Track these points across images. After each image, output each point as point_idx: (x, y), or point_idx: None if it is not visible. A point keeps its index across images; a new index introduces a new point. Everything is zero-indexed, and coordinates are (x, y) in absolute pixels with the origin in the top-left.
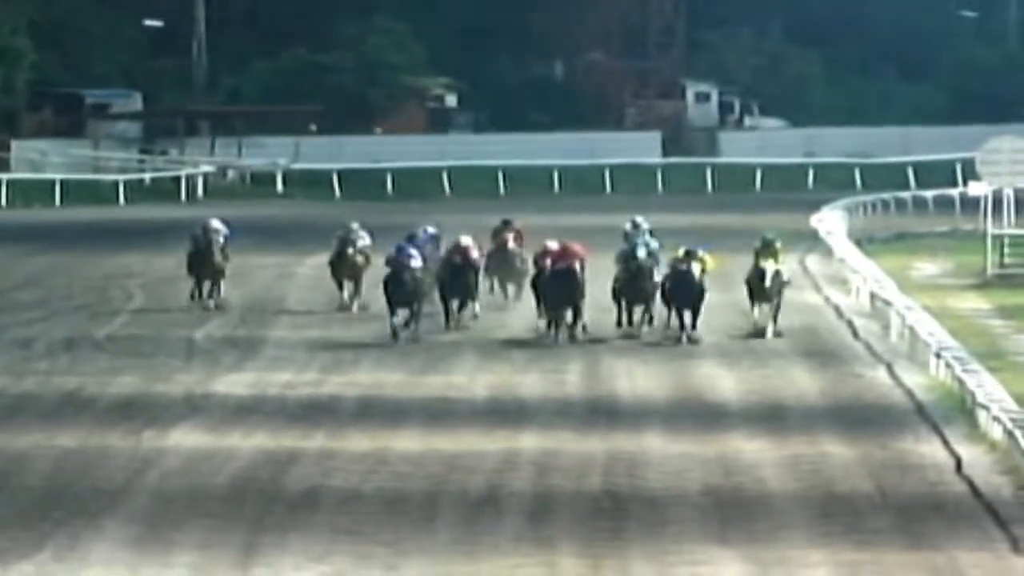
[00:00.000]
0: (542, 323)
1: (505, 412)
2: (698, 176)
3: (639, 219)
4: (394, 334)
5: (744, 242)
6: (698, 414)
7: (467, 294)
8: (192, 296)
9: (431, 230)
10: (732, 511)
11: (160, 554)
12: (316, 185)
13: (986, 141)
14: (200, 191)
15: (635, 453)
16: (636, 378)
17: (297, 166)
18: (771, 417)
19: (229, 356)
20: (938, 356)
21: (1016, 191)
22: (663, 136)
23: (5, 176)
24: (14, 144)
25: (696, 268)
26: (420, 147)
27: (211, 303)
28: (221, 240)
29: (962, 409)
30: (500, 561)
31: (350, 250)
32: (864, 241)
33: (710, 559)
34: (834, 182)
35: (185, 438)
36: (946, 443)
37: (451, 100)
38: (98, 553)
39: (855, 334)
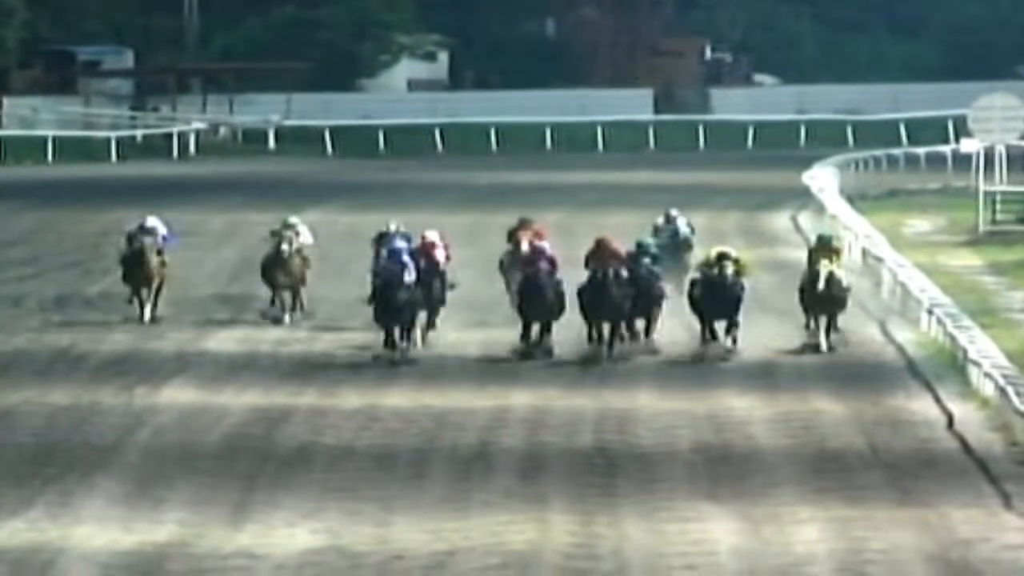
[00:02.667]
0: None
1: (496, 370)
2: (690, 133)
3: (674, 212)
4: (391, 352)
5: (734, 200)
6: (688, 371)
7: (429, 304)
8: (131, 302)
9: (402, 228)
10: (723, 468)
11: (152, 511)
12: (308, 142)
13: (978, 98)
14: (192, 148)
15: (626, 410)
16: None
17: (289, 123)
18: (762, 374)
19: (221, 313)
20: (930, 313)
21: (1008, 148)
22: (655, 93)
23: None
24: (5, 101)
25: (730, 271)
26: (411, 104)
27: (147, 314)
28: (159, 242)
29: (954, 366)
30: (491, 517)
31: (285, 249)
32: (856, 198)
33: (701, 515)
34: (826, 139)
35: (177, 395)
36: (938, 400)
37: (442, 57)
38: (90, 510)
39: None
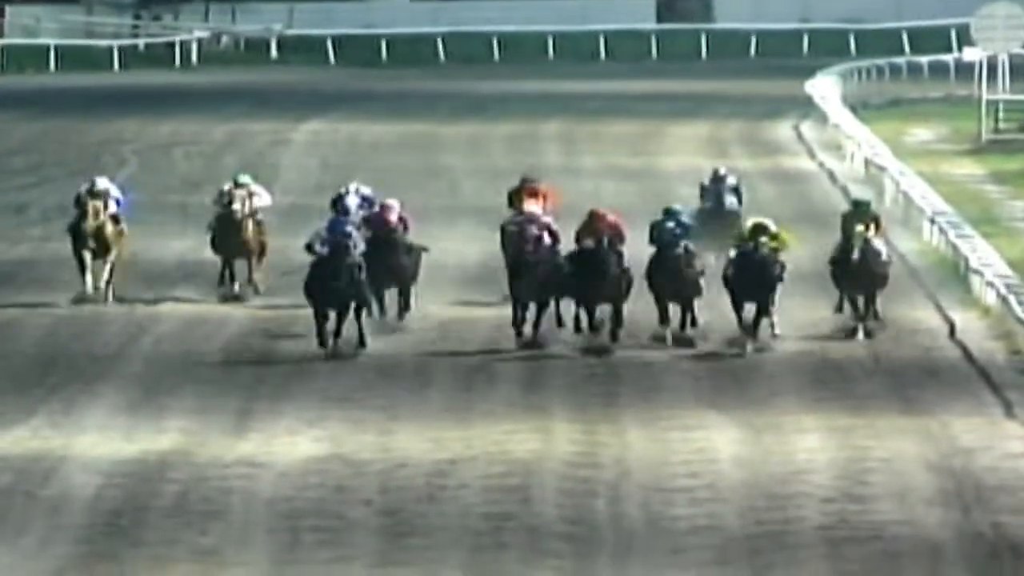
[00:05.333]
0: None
1: (497, 279)
2: (692, 42)
3: (722, 169)
4: (323, 343)
5: (736, 109)
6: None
7: (397, 281)
8: (84, 279)
9: (364, 190)
10: (725, 377)
11: (154, 419)
12: (310, 51)
13: (981, 6)
14: (194, 57)
15: (627, 320)
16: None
17: (291, 32)
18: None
19: None
20: (932, 222)
21: (1011, 56)
22: (657, 2)
23: None
24: (8, 10)
25: (766, 247)
26: (414, 13)
27: (108, 293)
28: (111, 206)
29: (956, 275)
30: (493, 427)
31: (237, 209)
32: (858, 107)
33: (703, 424)
34: (829, 48)
35: (179, 304)
36: (940, 309)
37: None
38: (92, 418)
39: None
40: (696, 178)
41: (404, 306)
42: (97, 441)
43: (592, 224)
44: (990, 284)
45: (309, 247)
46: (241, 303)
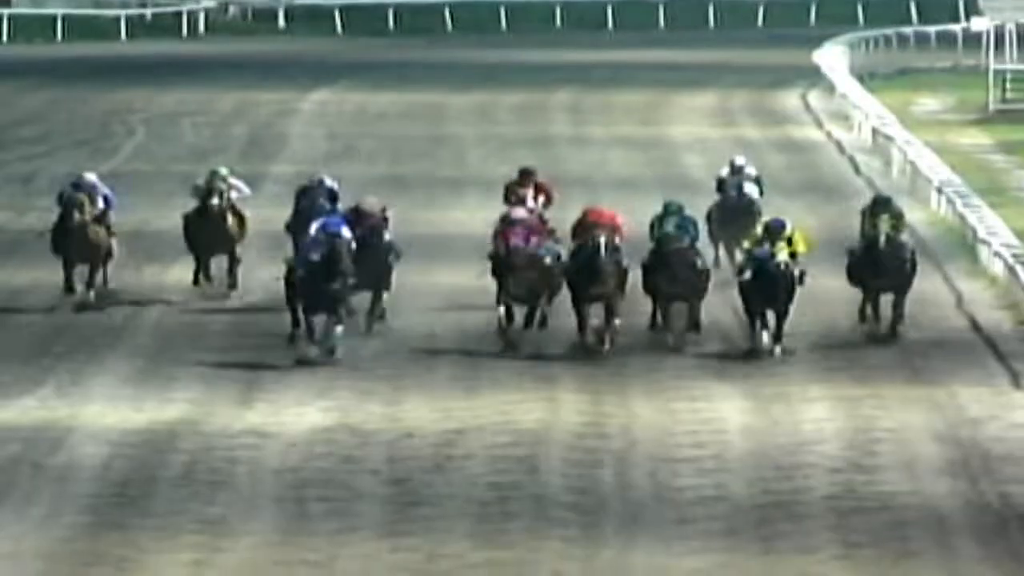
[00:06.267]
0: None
1: None
2: (700, 12)
3: (740, 160)
4: (308, 346)
5: (744, 78)
6: None
7: (377, 282)
8: (68, 287)
9: (328, 182)
10: (731, 348)
11: (161, 389)
12: (318, 20)
13: None
14: (201, 26)
15: (633, 287)
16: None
17: (299, 1)
18: None
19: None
20: (939, 192)
21: (1018, 26)
22: None
23: (6, 11)
24: None
25: (783, 252)
26: None
27: (91, 294)
28: (99, 205)
29: (963, 244)
30: (501, 396)
31: (215, 202)
32: (866, 77)
33: (710, 394)
34: (836, 17)
35: (186, 273)
36: (947, 279)
37: None
38: (100, 388)
39: (856, 170)
40: (703, 148)
41: (375, 304)
42: (105, 411)
43: (587, 222)
44: (997, 254)
45: (289, 274)
46: (225, 299)
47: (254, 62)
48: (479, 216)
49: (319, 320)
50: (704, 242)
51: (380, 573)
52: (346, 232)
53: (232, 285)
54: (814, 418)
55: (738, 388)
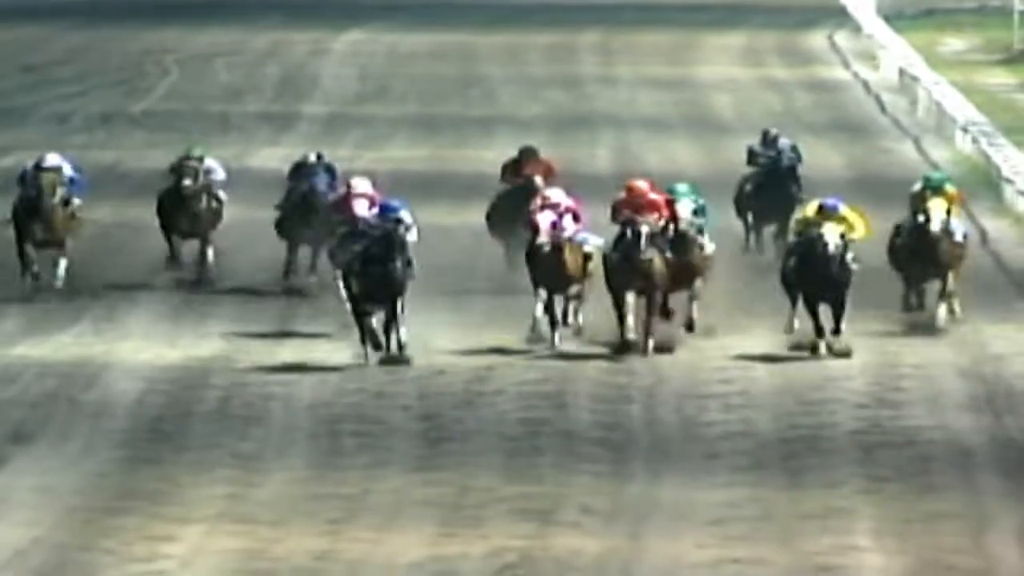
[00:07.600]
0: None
1: None
2: None
3: (774, 130)
4: (376, 347)
5: (771, 19)
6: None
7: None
8: (27, 274)
9: (326, 159)
10: (758, 284)
11: (196, 326)
12: None
13: None
14: None
15: None
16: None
17: None
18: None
19: (264, 131)
20: (964, 131)
21: None
22: None
23: None
24: None
25: (835, 235)
26: None
27: (57, 283)
28: (63, 188)
29: (988, 183)
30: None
31: (188, 184)
32: (892, 17)
33: (737, 330)
34: None
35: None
36: (972, 217)
37: None
38: (135, 325)
39: (883, 109)
40: (732, 88)
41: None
42: (140, 347)
43: (630, 201)
44: (1021, 193)
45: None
46: (206, 287)
47: (287, 2)
48: (509, 155)
49: (377, 317)
50: (716, 227)
51: (411, 507)
52: (407, 216)
53: (201, 275)
54: None
55: (766, 325)
